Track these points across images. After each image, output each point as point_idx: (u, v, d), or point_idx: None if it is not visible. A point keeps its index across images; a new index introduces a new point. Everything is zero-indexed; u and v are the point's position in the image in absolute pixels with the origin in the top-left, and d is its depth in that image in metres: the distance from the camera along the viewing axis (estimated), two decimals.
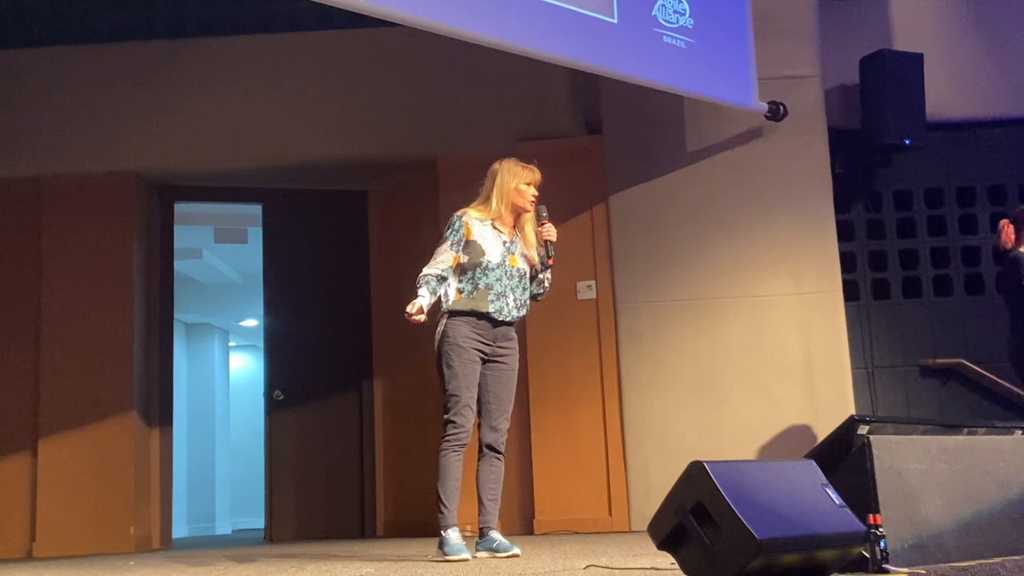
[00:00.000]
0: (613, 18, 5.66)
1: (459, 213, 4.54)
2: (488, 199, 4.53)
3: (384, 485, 7.47)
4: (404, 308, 6.99)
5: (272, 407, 7.64)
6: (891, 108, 6.85)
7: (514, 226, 4.56)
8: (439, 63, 7.05)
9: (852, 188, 7.18)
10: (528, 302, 4.58)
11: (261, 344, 8.19)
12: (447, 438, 4.37)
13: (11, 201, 7.12)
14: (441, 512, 4.34)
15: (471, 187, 6.91)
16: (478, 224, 4.49)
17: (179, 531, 10.05)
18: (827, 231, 6.67)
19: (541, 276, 4.57)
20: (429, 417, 7.03)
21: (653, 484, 6.32)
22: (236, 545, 8.00)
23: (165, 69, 7.18)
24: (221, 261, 10.58)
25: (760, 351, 6.54)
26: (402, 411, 7.43)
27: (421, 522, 7.00)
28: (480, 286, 4.42)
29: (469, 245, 4.45)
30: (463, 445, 4.38)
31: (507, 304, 4.45)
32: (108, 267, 7.04)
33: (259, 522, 8.62)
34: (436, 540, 4.38)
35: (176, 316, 7.88)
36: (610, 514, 6.53)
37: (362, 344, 7.64)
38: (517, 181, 4.52)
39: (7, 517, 6.82)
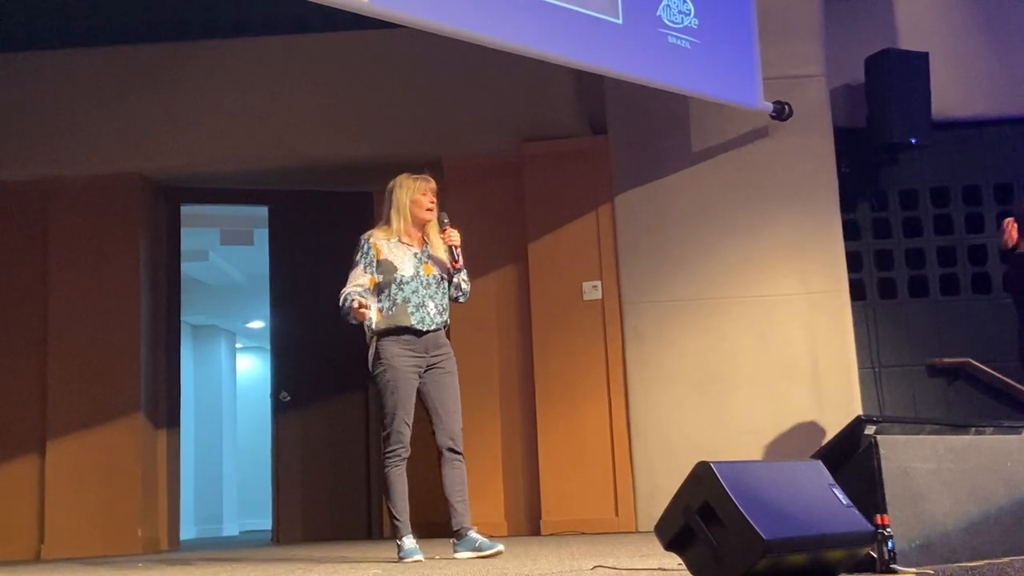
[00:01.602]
0: (618, 18, 5.67)
1: (365, 236, 4.69)
2: (388, 219, 4.68)
3: None
4: None
5: (279, 408, 7.64)
6: (896, 107, 6.84)
7: (422, 237, 4.70)
8: (444, 64, 7.05)
9: (858, 187, 7.17)
10: (447, 308, 4.68)
11: (268, 346, 8.19)
12: (388, 455, 4.50)
13: (18, 203, 7.14)
14: (395, 524, 4.51)
15: (476, 187, 6.98)
16: (385, 243, 4.63)
17: (186, 533, 10.06)
18: (833, 230, 6.67)
19: (456, 280, 4.68)
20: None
21: (659, 484, 6.32)
22: (243, 546, 8.01)
23: (171, 71, 7.19)
24: (227, 263, 10.59)
25: (766, 351, 6.54)
26: None
27: (427, 523, 7.01)
28: (398, 301, 4.54)
29: (380, 264, 4.60)
30: (404, 459, 4.51)
31: (428, 313, 4.57)
32: (114, 269, 7.06)
33: (266, 523, 8.62)
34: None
35: (183, 318, 7.88)
36: (616, 514, 6.53)
37: (368, 345, 7.63)
38: (411, 194, 4.67)
39: (15, 519, 6.84)
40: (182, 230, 7.65)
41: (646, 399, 6.59)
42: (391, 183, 4.74)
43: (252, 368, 14.74)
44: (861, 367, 6.71)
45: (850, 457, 3.17)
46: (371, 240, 4.64)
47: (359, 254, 4.64)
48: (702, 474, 2.76)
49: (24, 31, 7.35)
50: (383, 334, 4.55)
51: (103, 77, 7.21)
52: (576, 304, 6.78)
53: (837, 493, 2.98)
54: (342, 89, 7.20)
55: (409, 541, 4.43)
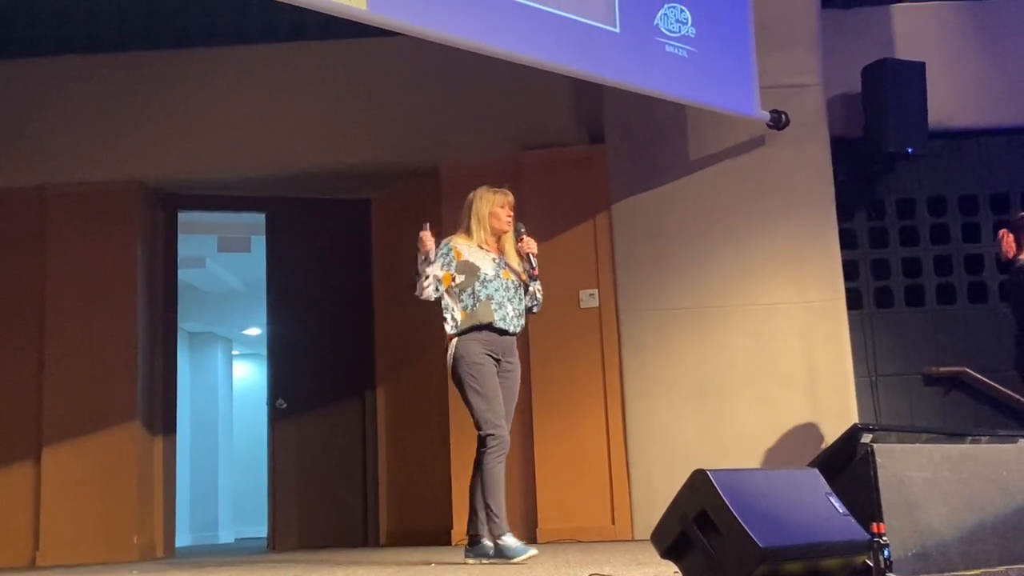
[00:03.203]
0: (615, 27, 5.68)
1: (445, 240, 4.77)
2: (468, 228, 4.79)
3: (387, 493, 7.47)
4: (407, 316, 7.03)
5: (275, 416, 7.63)
6: (893, 116, 6.85)
7: (499, 247, 4.80)
8: (442, 72, 7.06)
9: (855, 196, 7.18)
10: (524, 314, 4.79)
11: (264, 353, 8.19)
12: (490, 450, 4.53)
13: (16, 209, 7.14)
14: (494, 522, 4.50)
15: None
16: (465, 247, 4.73)
17: (182, 540, 10.04)
18: (830, 239, 6.68)
19: (532, 288, 4.78)
20: (432, 426, 7.05)
21: (656, 493, 6.31)
22: (239, 554, 8.00)
23: (169, 78, 7.20)
24: (224, 270, 10.59)
25: (763, 359, 6.54)
26: (405, 420, 7.43)
27: (424, 530, 7.01)
28: (481, 298, 4.62)
29: (461, 265, 4.68)
30: (505, 453, 4.56)
31: (508, 314, 4.66)
32: (112, 276, 7.06)
33: (262, 531, 8.61)
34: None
35: (179, 325, 7.88)
36: (613, 523, 6.52)
37: (365, 353, 7.64)
38: (490, 206, 4.78)
39: (11, 526, 6.82)
40: (179, 237, 7.64)
41: (643, 407, 6.59)
42: (471, 194, 4.86)
43: (248, 375, 14.73)
44: (858, 376, 6.71)
45: (846, 465, 3.17)
46: (451, 243, 4.75)
47: (437, 254, 4.70)
48: (699, 482, 2.76)
49: (23, 38, 7.36)
50: (463, 333, 4.62)
51: (101, 84, 7.21)
52: (573, 312, 6.78)
53: (833, 501, 2.98)
54: (340, 96, 7.21)
55: (512, 539, 4.48)
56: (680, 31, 5.99)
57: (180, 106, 7.17)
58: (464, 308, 4.64)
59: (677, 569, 2.83)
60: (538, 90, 7.01)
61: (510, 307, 4.68)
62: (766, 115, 6.50)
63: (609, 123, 6.96)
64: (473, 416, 4.60)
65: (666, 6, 5.95)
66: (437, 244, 4.67)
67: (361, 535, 7.50)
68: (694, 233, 6.72)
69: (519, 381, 4.79)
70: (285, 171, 7.34)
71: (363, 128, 7.18)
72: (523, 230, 4.81)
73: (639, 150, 6.85)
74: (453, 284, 4.67)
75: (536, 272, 4.77)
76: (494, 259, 4.74)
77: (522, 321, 4.76)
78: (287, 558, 6.03)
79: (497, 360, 4.64)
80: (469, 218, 4.80)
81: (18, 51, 7.29)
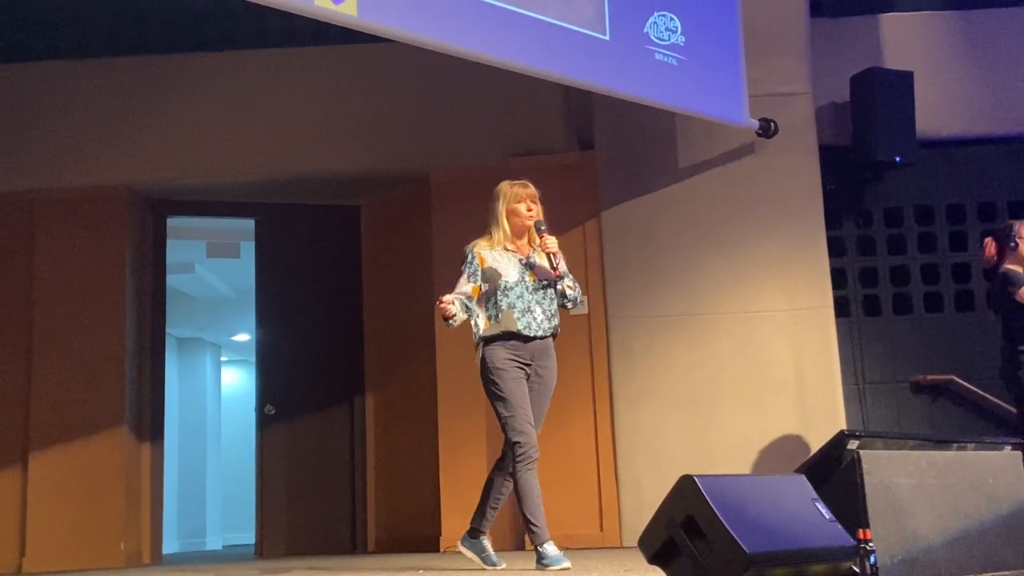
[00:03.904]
0: (605, 35, 5.69)
1: (469, 247, 4.66)
2: (490, 229, 4.67)
3: (375, 500, 7.45)
4: (396, 323, 7.01)
5: (263, 422, 7.62)
6: (881, 125, 6.89)
7: (528, 244, 4.67)
8: (432, 79, 7.07)
9: (843, 205, 7.21)
10: (556, 314, 4.65)
11: (253, 359, 8.18)
12: (519, 459, 4.40)
13: (3, 215, 7.12)
14: (532, 531, 4.40)
15: (464, 202, 6.98)
16: (489, 252, 4.61)
17: (169, 546, 10.01)
18: (818, 247, 6.70)
19: (560, 287, 4.62)
20: (421, 432, 7.04)
21: (645, 499, 6.31)
22: (227, 560, 7.97)
23: (158, 84, 7.19)
24: (213, 275, 10.58)
25: (752, 366, 6.55)
26: (394, 426, 7.42)
27: (412, 537, 7.00)
28: (503, 307, 4.52)
29: (485, 273, 4.57)
30: (534, 460, 4.43)
31: (535, 319, 4.54)
32: (100, 281, 7.04)
33: (250, 537, 8.58)
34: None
35: (168, 331, 7.86)
36: (601, 529, 6.52)
37: (354, 359, 7.64)
38: (507, 203, 4.64)
39: None
40: (168, 242, 7.63)
41: (632, 413, 6.60)
42: (495, 190, 4.72)
43: (237, 381, 14.70)
44: (846, 383, 6.73)
45: (833, 472, 3.19)
46: (475, 250, 4.63)
47: (464, 264, 4.62)
48: (686, 487, 2.77)
49: (11, 43, 7.34)
50: (490, 340, 4.52)
51: (90, 89, 7.20)
52: (562, 318, 6.73)
53: (820, 507, 2.99)
54: (330, 103, 7.21)
55: (552, 548, 4.35)
56: (670, 39, 6.01)
57: (170, 111, 7.16)
58: (489, 317, 4.53)
59: (664, 574, 2.83)
60: (528, 97, 7.02)
61: (538, 310, 4.55)
62: (755, 123, 6.52)
63: (599, 130, 6.98)
64: (499, 423, 4.51)
65: (656, 14, 5.97)
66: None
67: (349, 542, 7.49)
68: (683, 240, 6.73)
69: (552, 386, 4.61)
70: (275, 177, 7.33)
71: (353, 135, 7.19)
72: (543, 228, 4.62)
73: (629, 157, 6.87)
74: (480, 293, 4.58)
75: (559, 272, 4.57)
76: (520, 261, 4.61)
77: (554, 322, 4.61)
78: (275, 565, 6.02)
79: (527, 364, 4.52)
80: (491, 219, 4.68)
81: (6, 56, 7.27)
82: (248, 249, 8.35)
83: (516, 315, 4.50)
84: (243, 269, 8.93)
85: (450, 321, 4.46)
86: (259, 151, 7.16)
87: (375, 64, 7.15)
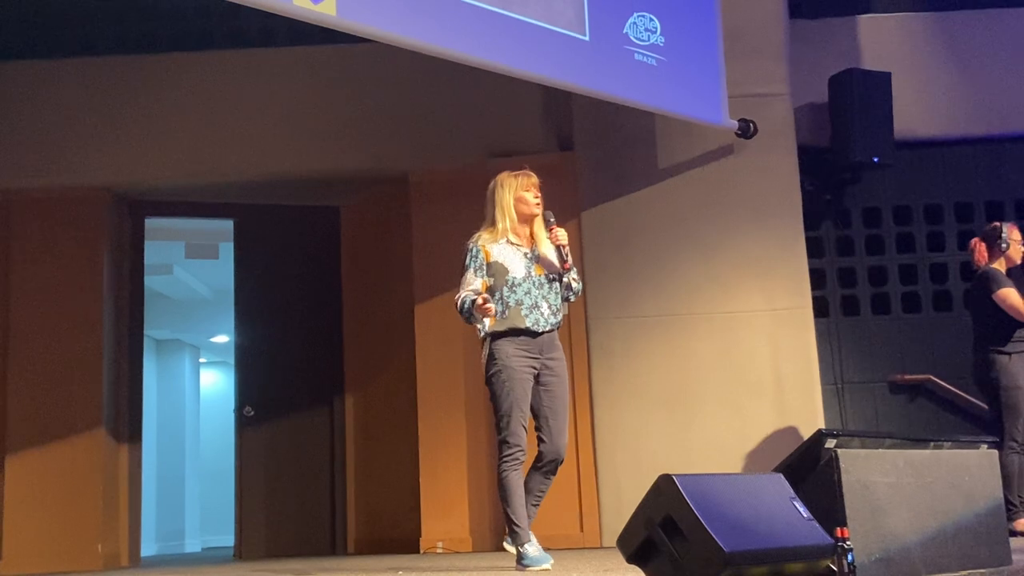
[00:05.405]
0: (585, 35, 5.70)
1: (473, 239, 4.55)
2: (493, 220, 4.55)
3: (355, 502, 7.44)
4: (376, 324, 6.97)
5: (242, 424, 7.59)
6: (859, 126, 6.91)
7: (530, 235, 4.57)
8: (411, 79, 7.05)
9: (821, 205, 7.24)
10: (561, 307, 4.58)
11: (232, 360, 8.15)
12: (504, 458, 4.36)
13: None
14: (513, 531, 4.35)
15: (443, 203, 6.98)
16: (493, 246, 4.51)
17: (147, 549, 9.95)
18: (797, 248, 6.72)
19: (567, 279, 4.57)
20: (400, 434, 7.03)
21: (624, 500, 6.32)
22: (205, 563, 7.94)
23: (136, 84, 7.15)
24: (192, 277, 10.53)
25: (731, 367, 6.57)
26: (373, 427, 7.41)
27: (391, 538, 6.98)
28: (511, 304, 4.43)
29: (491, 267, 4.47)
30: (521, 463, 4.38)
31: (543, 314, 4.46)
32: (78, 282, 6.99)
33: (229, 540, 8.54)
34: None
35: (146, 332, 7.82)
36: (581, 530, 6.53)
37: (333, 361, 7.62)
38: (514, 191, 4.53)
39: None
40: (146, 243, 7.59)
41: (611, 414, 6.60)
42: (492, 182, 4.58)
43: (216, 383, 14.63)
44: (824, 383, 6.76)
45: (811, 471, 3.19)
46: (479, 243, 4.51)
47: (468, 258, 4.50)
48: (664, 486, 2.77)
49: None
50: (497, 335, 4.42)
51: (68, 89, 7.15)
52: None
53: (798, 506, 3.00)
54: (308, 103, 7.18)
55: (533, 548, 4.29)
56: (649, 40, 6.02)
57: (148, 111, 7.12)
58: (495, 313, 4.41)
59: (643, 574, 2.83)
60: (507, 98, 7.01)
61: (545, 305, 4.46)
62: (734, 124, 6.54)
63: (578, 131, 6.98)
64: (495, 417, 4.43)
65: (635, 15, 5.98)
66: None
67: (329, 543, 7.47)
68: (663, 241, 6.74)
69: (566, 377, 4.54)
70: (253, 178, 7.30)
71: (332, 135, 7.16)
72: (552, 220, 4.52)
73: (608, 158, 6.87)
74: (487, 288, 4.47)
75: (569, 264, 4.47)
76: (525, 254, 4.51)
77: (560, 315, 4.54)
78: (254, 567, 5.99)
79: (536, 358, 4.43)
80: (493, 209, 4.54)
81: None
82: (227, 250, 8.32)
83: (524, 312, 4.42)
84: (222, 270, 8.89)
85: (484, 318, 4.37)
86: (237, 152, 7.13)
87: (354, 65, 7.13)
